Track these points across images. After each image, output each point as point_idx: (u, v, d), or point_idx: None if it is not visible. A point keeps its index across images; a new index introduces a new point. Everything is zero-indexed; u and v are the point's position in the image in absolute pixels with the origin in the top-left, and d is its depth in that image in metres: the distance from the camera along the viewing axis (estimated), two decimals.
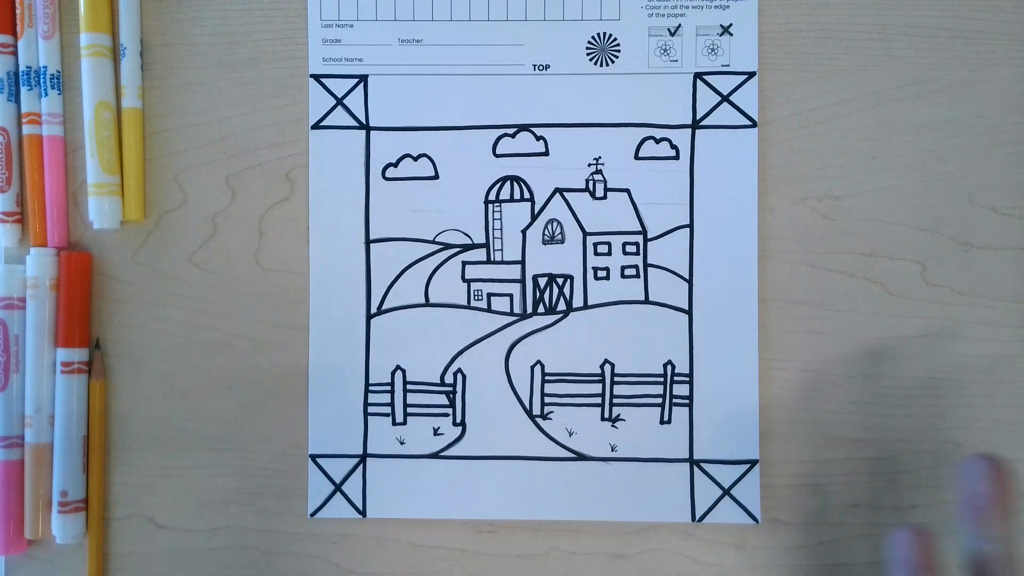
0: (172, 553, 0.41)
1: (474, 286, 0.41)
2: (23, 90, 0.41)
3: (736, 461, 0.40)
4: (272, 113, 0.41)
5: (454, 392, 0.41)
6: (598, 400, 0.41)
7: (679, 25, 0.41)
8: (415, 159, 0.41)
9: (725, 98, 0.41)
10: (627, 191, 0.41)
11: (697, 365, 0.40)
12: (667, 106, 0.41)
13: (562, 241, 0.41)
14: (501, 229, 0.41)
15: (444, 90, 0.41)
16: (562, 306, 0.41)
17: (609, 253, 0.41)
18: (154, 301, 0.41)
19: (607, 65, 0.41)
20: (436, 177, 0.41)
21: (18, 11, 0.40)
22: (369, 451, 0.41)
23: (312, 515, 0.41)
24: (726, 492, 0.40)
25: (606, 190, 0.41)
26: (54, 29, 0.41)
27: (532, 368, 0.41)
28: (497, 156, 0.41)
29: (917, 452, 0.40)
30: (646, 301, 0.41)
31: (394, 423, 0.41)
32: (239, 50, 0.41)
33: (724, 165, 0.41)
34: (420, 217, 0.41)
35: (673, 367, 0.41)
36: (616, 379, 0.41)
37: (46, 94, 0.41)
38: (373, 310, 0.41)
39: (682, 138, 0.41)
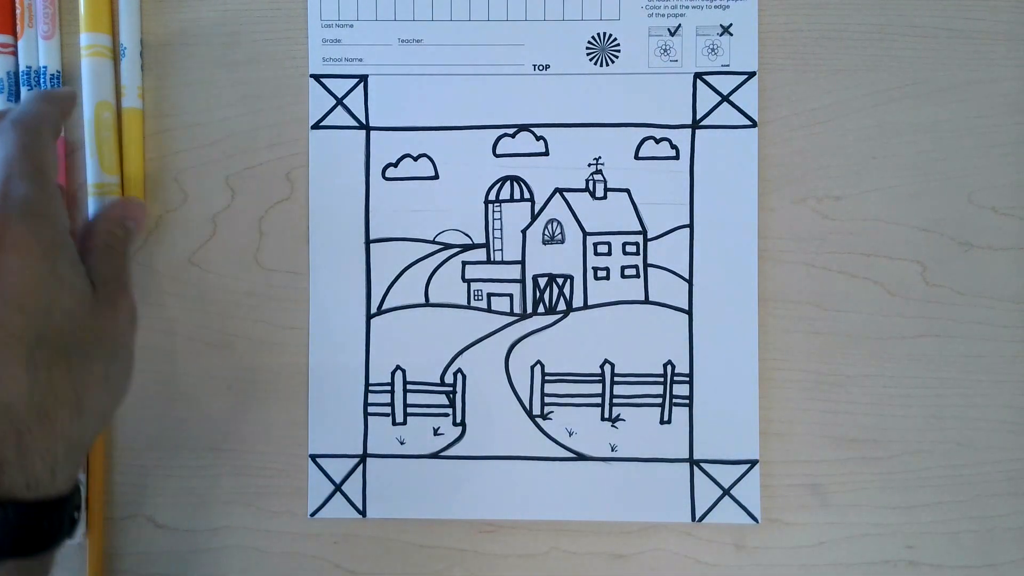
0: (172, 553, 0.41)
1: (474, 286, 0.41)
2: (23, 90, 0.40)
3: (736, 461, 0.40)
4: (272, 113, 0.41)
5: (454, 392, 0.41)
6: (598, 400, 0.41)
7: (679, 25, 0.41)
8: (415, 159, 0.41)
9: (725, 98, 0.41)
10: (627, 191, 0.41)
11: (697, 365, 0.40)
12: (667, 106, 0.41)
13: (562, 241, 0.41)
14: (501, 229, 0.41)
15: (444, 90, 0.41)
16: (562, 306, 0.41)
17: (609, 253, 0.41)
18: (154, 301, 0.41)
19: (607, 65, 0.41)
20: (436, 177, 0.41)
21: (18, 11, 0.40)
22: (369, 451, 0.41)
23: (312, 515, 0.41)
24: (726, 492, 0.40)
25: (606, 190, 0.41)
26: (54, 29, 0.41)
27: (532, 368, 0.41)
28: (497, 156, 0.41)
29: (917, 452, 0.40)
30: (646, 301, 0.41)
31: (394, 423, 0.41)
32: (239, 50, 0.41)
33: (724, 165, 0.41)
34: (420, 217, 0.41)
35: (673, 367, 0.41)
36: (616, 379, 0.41)
37: None
38: (373, 310, 0.41)
39: (682, 138, 0.41)
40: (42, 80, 0.41)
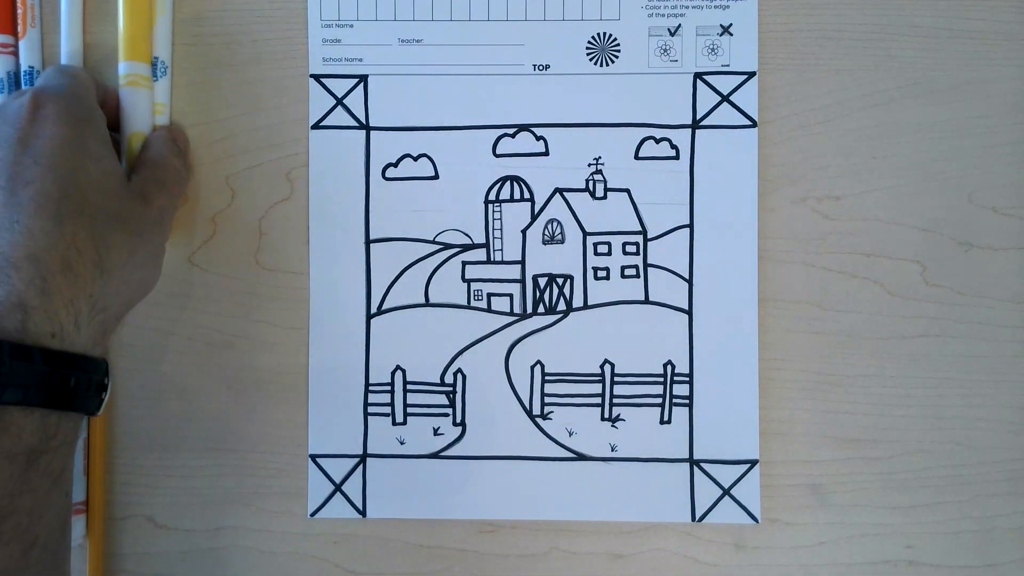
0: (172, 553, 0.41)
1: (474, 286, 0.41)
2: None
3: (736, 461, 0.40)
4: (272, 113, 0.41)
5: (454, 392, 0.41)
6: (598, 400, 0.41)
7: (679, 25, 0.41)
8: (415, 159, 0.41)
9: (725, 98, 0.41)
10: (627, 191, 0.41)
11: (697, 365, 0.40)
12: (667, 106, 0.41)
13: (562, 241, 0.41)
14: (501, 229, 0.41)
15: (444, 90, 0.41)
16: (562, 306, 0.41)
17: (609, 253, 0.41)
18: (154, 301, 0.41)
19: (607, 65, 0.41)
20: (436, 177, 0.41)
21: (19, 11, 0.40)
22: (369, 451, 0.41)
23: (312, 515, 0.41)
24: (726, 492, 0.40)
25: (606, 190, 0.41)
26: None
27: (532, 368, 0.41)
28: (497, 156, 0.41)
29: (917, 452, 0.40)
30: (646, 301, 0.41)
31: (394, 423, 0.41)
32: (239, 50, 0.41)
33: (724, 165, 0.41)
34: (420, 217, 0.41)
35: (673, 367, 0.41)
36: (616, 379, 0.41)
37: None
38: (373, 310, 0.41)
39: (682, 138, 0.41)
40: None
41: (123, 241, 0.34)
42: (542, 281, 0.41)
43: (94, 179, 0.33)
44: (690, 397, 0.40)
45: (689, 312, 0.41)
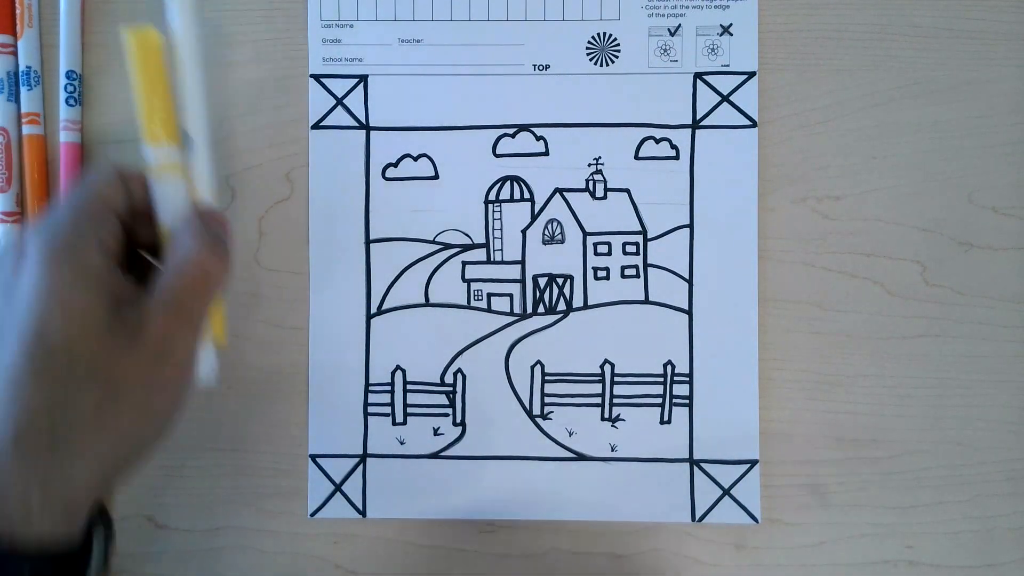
0: (172, 553, 0.41)
1: (474, 286, 0.41)
2: (23, 90, 0.40)
3: (736, 461, 0.40)
4: (272, 113, 0.41)
5: (454, 392, 0.41)
6: (598, 400, 0.41)
7: (679, 25, 0.41)
8: (415, 159, 0.41)
9: (725, 98, 0.41)
10: (627, 191, 0.41)
11: (697, 365, 0.40)
12: (667, 106, 0.41)
13: (562, 241, 0.41)
14: (501, 229, 0.41)
15: (444, 90, 0.41)
16: (562, 306, 0.41)
17: (609, 253, 0.41)
18: None
19: (607, 65, 0.41)
20: (436, 177, 0.41)
21: (18, 11, 0.40)
22: (369, 451, 0.41)
23: (312, 515, 0.41)
24: (726, 492, 0.40)
25: (606, 190, 0.41)
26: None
27: (532, 368, 0.41)
28: (497, 156, 0.41)
29: (917, 452, 0.40)
30: (646, 301, 0.41)
31: (394, 423, 0.41)
32: (239, 50, 0.41)
33: (724, 165, 0.41)
34: (420, 217, 0.41)
35: (673, 367, 0.41)
36: (616, 379, 0.41)
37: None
38: (373, 310, 0.41)
39: (682, 138, 0.41)
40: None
41: (91, 401, 0.27)
42: (542, 281, 0.41)
43: (61, 328, 0.27)
44: (690, 397, 0.40)
45: (689, 312, 0.41)
